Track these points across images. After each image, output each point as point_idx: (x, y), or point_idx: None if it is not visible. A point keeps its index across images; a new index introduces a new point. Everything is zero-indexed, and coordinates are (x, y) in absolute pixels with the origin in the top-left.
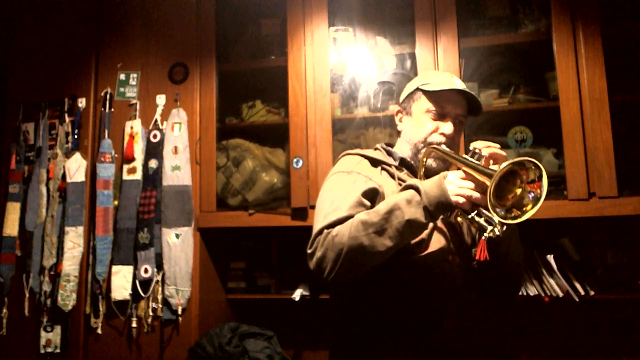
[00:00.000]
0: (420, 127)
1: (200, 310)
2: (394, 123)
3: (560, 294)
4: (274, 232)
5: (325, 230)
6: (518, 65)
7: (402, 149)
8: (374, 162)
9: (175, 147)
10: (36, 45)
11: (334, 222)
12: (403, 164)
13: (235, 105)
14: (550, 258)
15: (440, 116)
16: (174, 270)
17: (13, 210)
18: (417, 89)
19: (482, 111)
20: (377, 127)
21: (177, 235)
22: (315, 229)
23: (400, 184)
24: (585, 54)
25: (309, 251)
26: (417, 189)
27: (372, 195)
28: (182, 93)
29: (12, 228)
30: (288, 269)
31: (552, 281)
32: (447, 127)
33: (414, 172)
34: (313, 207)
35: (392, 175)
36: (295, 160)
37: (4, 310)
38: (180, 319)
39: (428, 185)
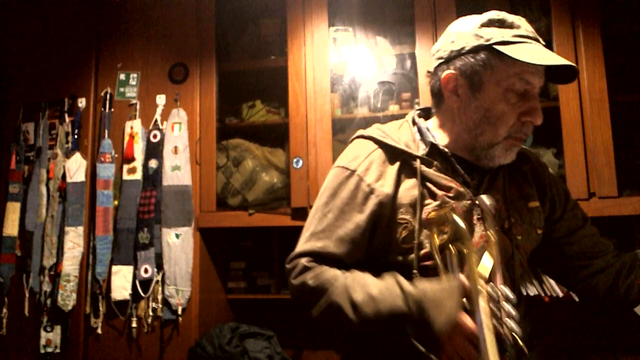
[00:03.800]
0: (496, 111)
1: (200, 310)
2: (438, 90)
3: (560, 294)
4: (274, 232)
5: (305, 260)
6: None
7: (449, 132)
8: (392, 154)
9: (175, 147)
10: (36, 45)
11: (317, 252)
12: (434, 152)
13: (235, 105)
14: None
15: (522, 94)
16: (174, 270)
17: (13, 210)
18: (491, 48)
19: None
20: None
21: (177, 235)
22: (301, 242)
23: (424, 184)
24: (585, 54)
25: (287, 266)
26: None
27: (363, 231)
28: (182, 93)
29: (12, 228)
30: None
31: (552, 281)
32: (537, 114)
33: (450, 166)
34: None
35: (414, 171)
36: (295, 160)
37: (4, 310)
38: (180, 319)
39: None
